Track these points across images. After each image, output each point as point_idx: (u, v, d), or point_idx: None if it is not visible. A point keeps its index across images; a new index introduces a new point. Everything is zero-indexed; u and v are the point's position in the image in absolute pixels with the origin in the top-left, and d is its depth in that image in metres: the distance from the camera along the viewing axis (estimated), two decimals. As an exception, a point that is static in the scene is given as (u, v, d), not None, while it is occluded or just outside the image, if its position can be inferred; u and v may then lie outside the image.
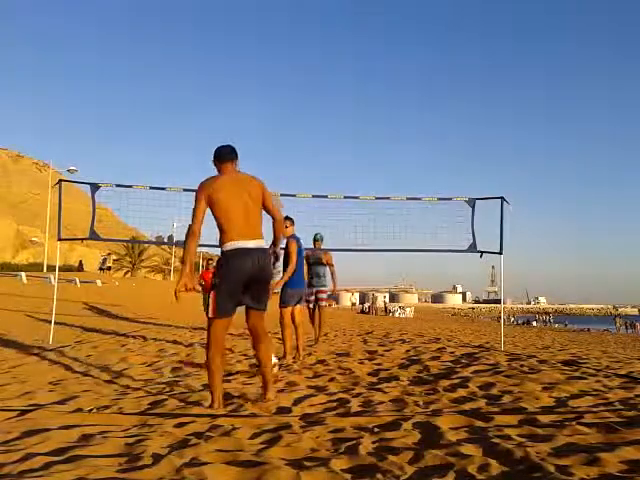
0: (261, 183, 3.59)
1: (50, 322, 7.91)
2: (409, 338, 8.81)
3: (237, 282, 3.38)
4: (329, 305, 8.36)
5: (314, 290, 7.69)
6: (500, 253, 7.66)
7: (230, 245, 3.39)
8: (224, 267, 3.39)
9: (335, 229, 7.84)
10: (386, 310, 41.57)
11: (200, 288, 10.36)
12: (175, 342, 7.88)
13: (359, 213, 7.83)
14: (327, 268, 7.89)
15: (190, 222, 3.42)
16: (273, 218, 3.66)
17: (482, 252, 7.68)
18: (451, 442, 2.60)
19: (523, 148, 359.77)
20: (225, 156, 3.58)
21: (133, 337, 8.64)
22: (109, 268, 48.55)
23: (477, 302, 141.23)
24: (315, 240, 7.56)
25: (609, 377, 4.48)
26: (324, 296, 7.79)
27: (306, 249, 6.91)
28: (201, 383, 4.38)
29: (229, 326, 3.50)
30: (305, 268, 6.59)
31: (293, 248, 5.73)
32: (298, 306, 6.12)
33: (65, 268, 40.41)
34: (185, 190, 7.51)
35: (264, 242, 3.52)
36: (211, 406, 3.43)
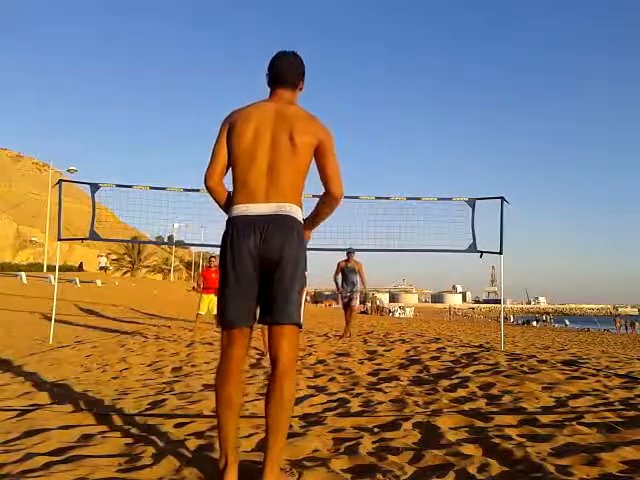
0: (324, 130, 2.21)
1: (50, 322, 7.92)
2: (409, 338, 8.81)
3: (238, 272, 2.07)
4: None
5: (348, 294, 9.43)
6: (500, 253, 7.66)
7: (233, 212, 2.16)
8: (223, 249, 2.15)
9: (336, 229, 7.85)
10: (378, 309, 41.30)
11: (199, 288, 9.42)
12: (175, 342, 7.89)
13: (359, 213, 7.86)
14: (358, 275, 9.51)
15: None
16: (326, 190, 2.21)
17: (482, 252, 7.69)
18: (451, 442, 2.60)
19: (523, 148, 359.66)
20: (279, 74, 2.28)
21: (133, 337, 8.64)
22: (108, 268, 48.58)
23: (477, 302, 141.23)
24: (349, 253, 9.23)
25: (609, 377, 4.48)
26: (356, 302, 9.58)
27: (343, 259, 9.39)
28: (201, 383, 4.38)
29: (245, 343, 2.14)
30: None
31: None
32: None
33: (65, 268, 40.33)
34: (185, 190, 7.52)
35: (295, 210, 2.15)
36: (220, 466, 2.07)
